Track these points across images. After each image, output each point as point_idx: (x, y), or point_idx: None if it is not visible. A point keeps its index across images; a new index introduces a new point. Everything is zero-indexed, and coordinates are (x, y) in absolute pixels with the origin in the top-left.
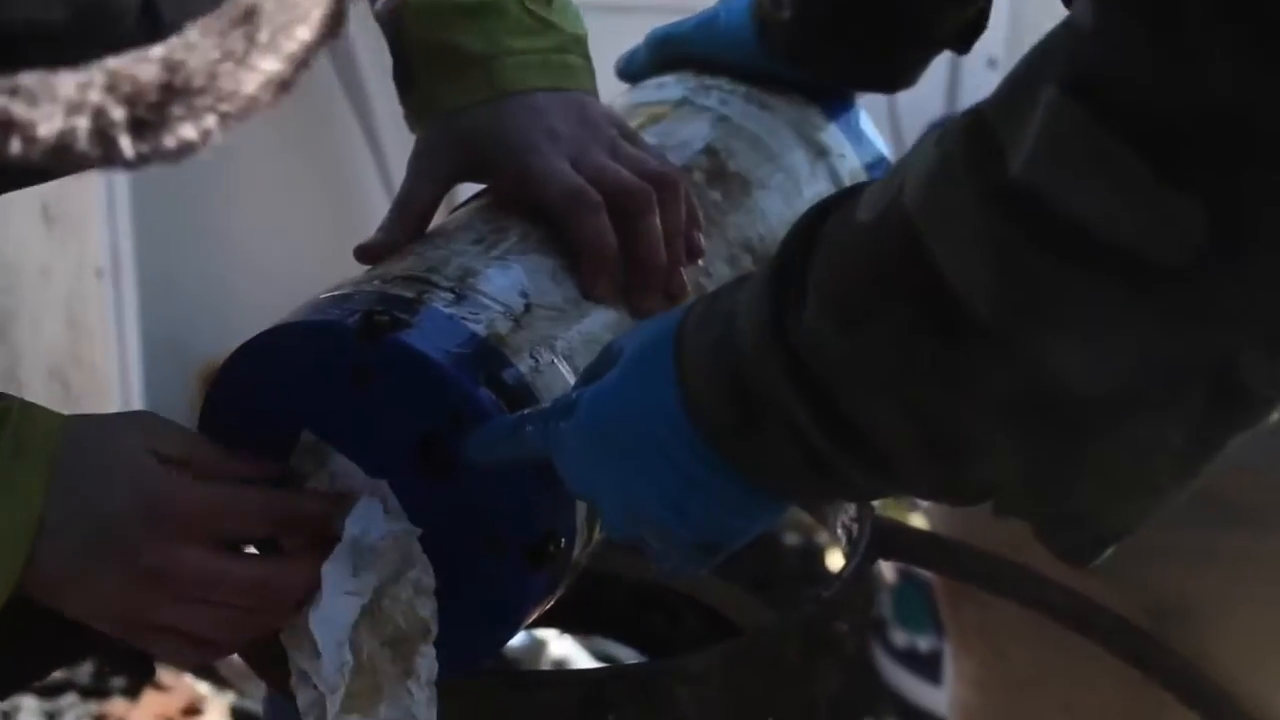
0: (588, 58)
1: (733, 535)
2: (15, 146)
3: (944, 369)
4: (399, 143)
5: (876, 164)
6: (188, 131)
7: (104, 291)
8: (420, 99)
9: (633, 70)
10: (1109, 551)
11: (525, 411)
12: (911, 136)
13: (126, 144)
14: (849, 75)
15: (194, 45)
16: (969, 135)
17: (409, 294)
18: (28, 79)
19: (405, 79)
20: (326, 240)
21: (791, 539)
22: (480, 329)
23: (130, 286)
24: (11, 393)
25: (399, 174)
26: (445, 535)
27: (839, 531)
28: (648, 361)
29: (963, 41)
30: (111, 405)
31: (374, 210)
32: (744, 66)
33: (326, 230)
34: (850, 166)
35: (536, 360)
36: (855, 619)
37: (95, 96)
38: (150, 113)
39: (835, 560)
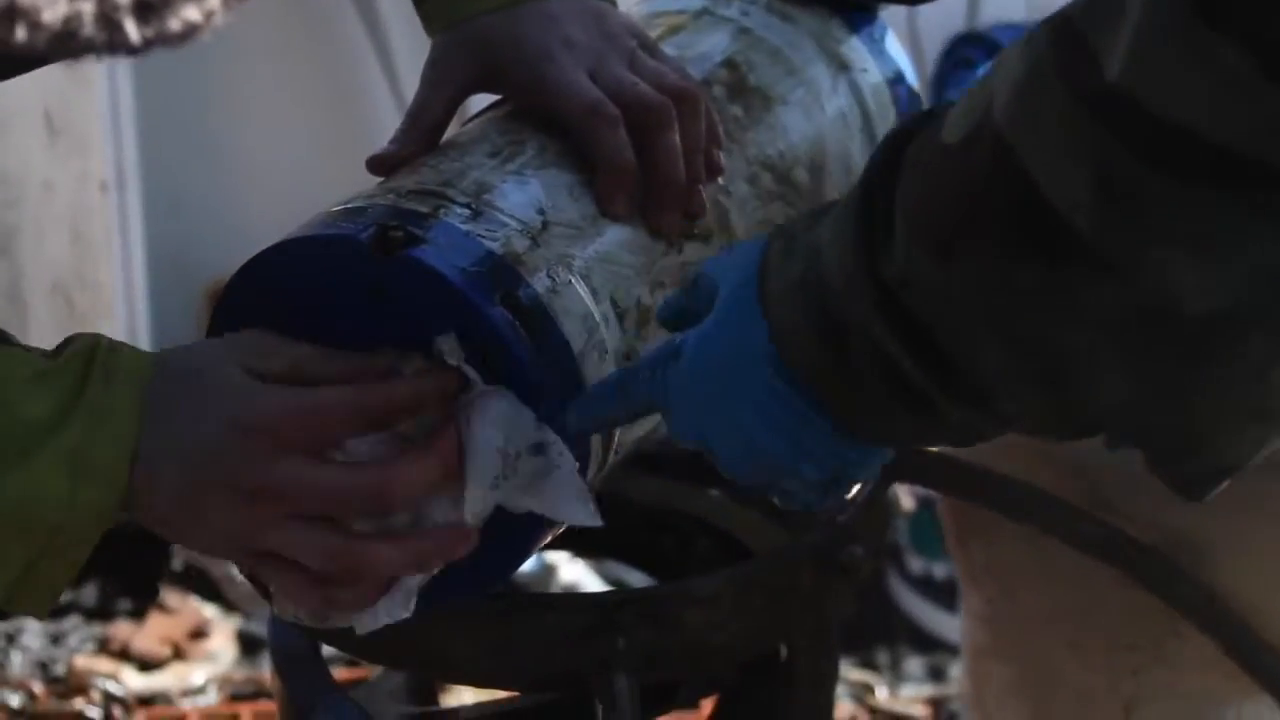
0: None
1: (854, 468)
2: (20, 33)
3: (1046, 292)
4: (409, 53)
5: (898, 79)
6: (191, 12)
7: (108, 206)
8: (436, 4)
9: None
10: (1224, 484)
11: (624, 369)
12: (932, 53)
13: (131, 28)
14: None
15: None
16: (1057, 43)
17: (424, 209)
18: None
19: None
20: (335, 154)
21: None
22: (496, 246)
23: (135, 201)
24: (15, 308)
25: (409, 86)
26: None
27: None
28: (743, 301)
29: None
30: (116, 322)
31: (384, 123)
32: None
33: (335, 144)
34: (872, 81)
35: (553, 280)
36: (869, 543)
37: None
38: None
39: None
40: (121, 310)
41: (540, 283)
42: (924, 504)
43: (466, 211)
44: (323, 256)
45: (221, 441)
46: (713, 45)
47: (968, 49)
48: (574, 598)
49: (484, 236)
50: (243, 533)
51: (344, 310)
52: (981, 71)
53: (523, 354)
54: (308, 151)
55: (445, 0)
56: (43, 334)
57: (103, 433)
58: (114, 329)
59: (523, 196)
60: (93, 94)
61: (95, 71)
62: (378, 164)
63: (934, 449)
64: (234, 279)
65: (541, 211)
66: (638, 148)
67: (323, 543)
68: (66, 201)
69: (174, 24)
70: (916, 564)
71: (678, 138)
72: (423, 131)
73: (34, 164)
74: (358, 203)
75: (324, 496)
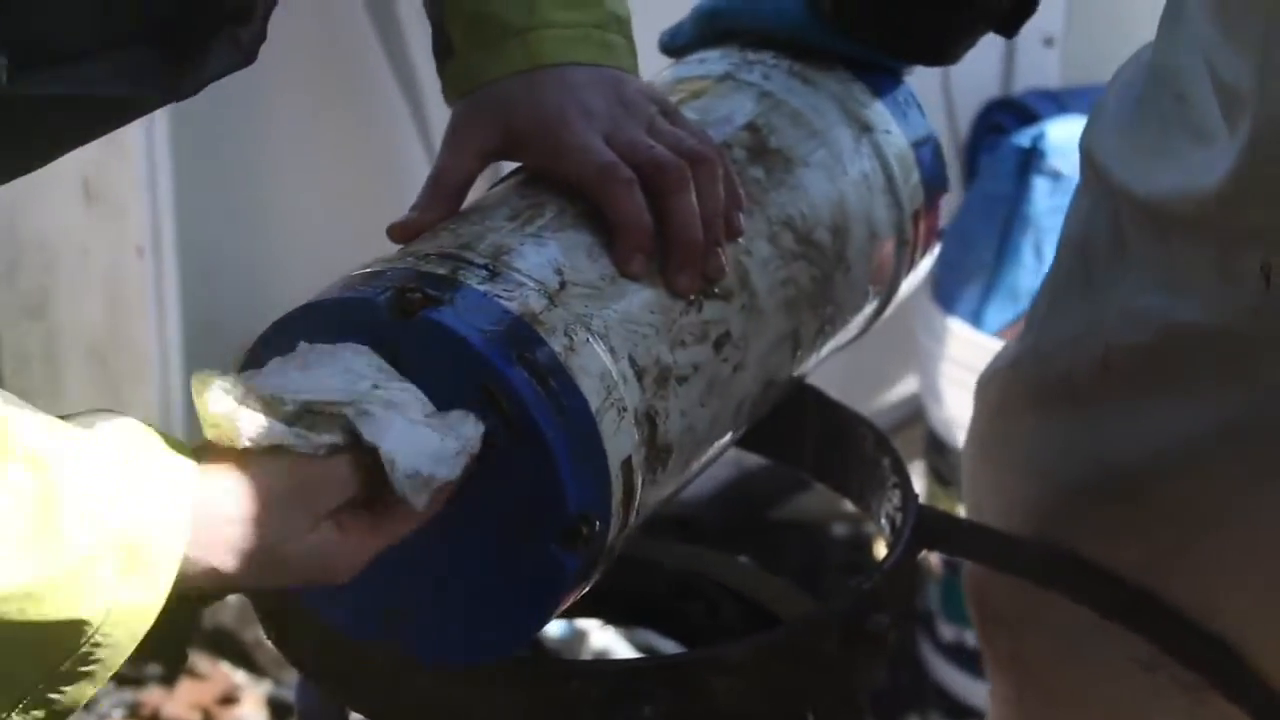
0: (629, 38)
1: None
2: None
3: None
4: (445, 119)
5: (924, 141)
6: None
7: (144, 270)
8: (457, 70)
9: (677, 45)
10: None
11: None
12: (965, 118)
13: None
14: (892, 44)
15: None
16: None
17: (442, 271)
18: None
19: (443, 50)
20: (371, 221)
21: (839, 530)
22: (514, 306)
23: (171, 265)
24: (50, 370)
25: None
26: (473, 518)
27: (883, 521)
28: None
29: (1010, 22)
30: (151, 386)
31: (418, 188)
32: (790, 40)
33: (371, 211)
34: (896, 144)
35: (571, 339)
36: (897, 610)
37: None
38: None
39: (883, 551)
40: (156, 373)
41: (558, 342)
42: (954, 569)
43: (484, 273)
44: (343, 319)
45: None
46: (734, 109)
47: (1000, 115)
48: (598, 664)
49: (501, 297)
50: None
51: None
52: (1014, 137)
53: (541, 413)
54: (343, 217)
55: (468, 65)
56: (78, 396)
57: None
58: (149, 392)
59: (541, 257)
60: (130, 160)
61: (133, 137)
62: (399, 231)
63: (961, 517)
64: (258, 342)
65: (559, 272)
66: (655, 210)
67: None
68: (102, 265)
69: None
70: (948, 631)
71: (694, 199)
72: (443, 197)
73: (71, 228)
74: (377, 267)
75: None
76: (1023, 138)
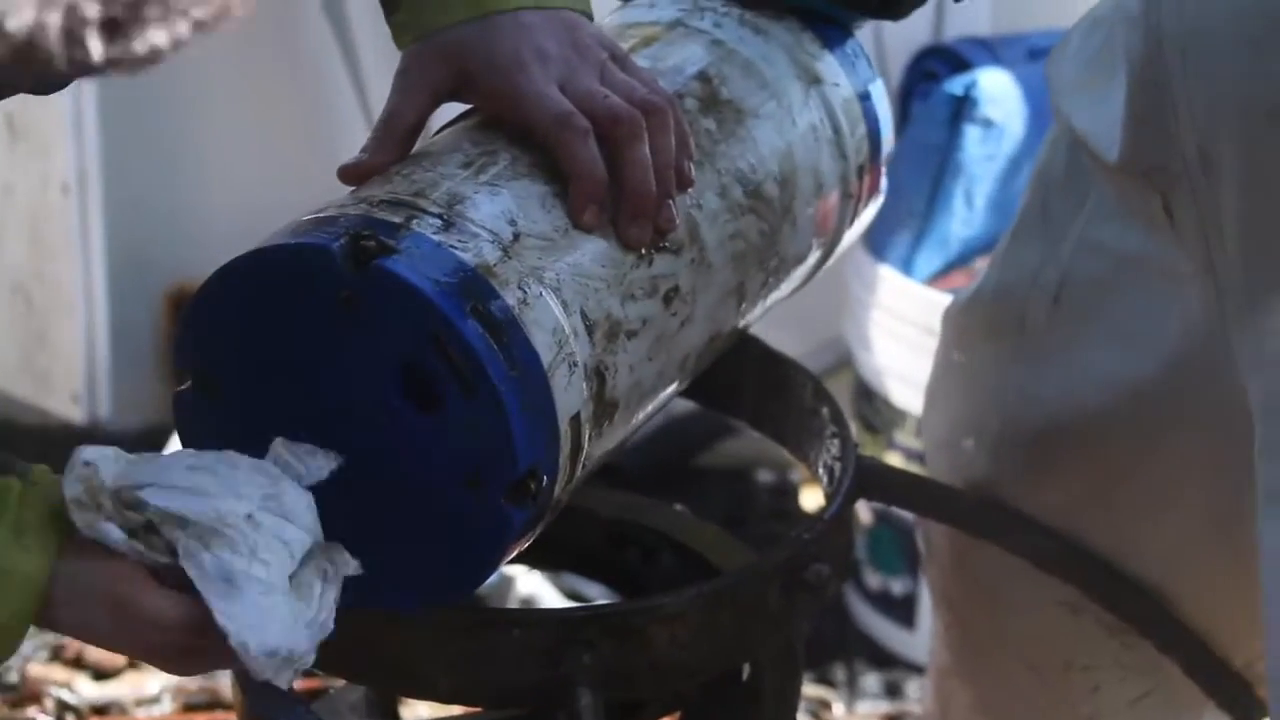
0: None
1: None
2: None
3: None
4: (375, 56)
5: (869, 95)
6: (159, 37)
7: (69, 208)
8: (405, 17)
9: None
10: None
11: None
12: (897, 65)
13: (96, 45)
14: None
15: None
16: None
17: (396, 219)
18: None
19: (390, 1)
20: (299, 159)
21: (765, 476)
22: (468, 258)
23: (96, 204)
24: None
25: (374, 90)
26: (422, 468)
27: (820, 470)
28: None
29: None
30: (76, 323)
31: (348, 127)
32: None
33: (299, 148)
34: (843, 95)
35: (525, 292)
36: (835, 561)
37: None
38: (125, 11)
39: (809, 499)
40: (81, 310)
41: (512, 295)
42: (882, 519)
43: (439, 222)
44: (294, 265)
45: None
46: (686, 57)
47: (932, 62)
48: (539, 613)
49: (456, 247)
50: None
51: (313, 318)
52: (946, 85)
53: (494, 367)
54: (271, 155)
55: (417, 11)
56: (2, 334)
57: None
58: (73, 329)
59: (495, 207)
60: (54, 97)
61: None
62: (349, 173)
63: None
64: (206, 286)
65: (513, 222)
66: (608, 160)
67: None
68: (26, 203)
69: (140, 46)
70: (874, 580)
71: (648, 150)
72: (394, 140)
73: None
74: (329, 211)
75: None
76: (955, 85)
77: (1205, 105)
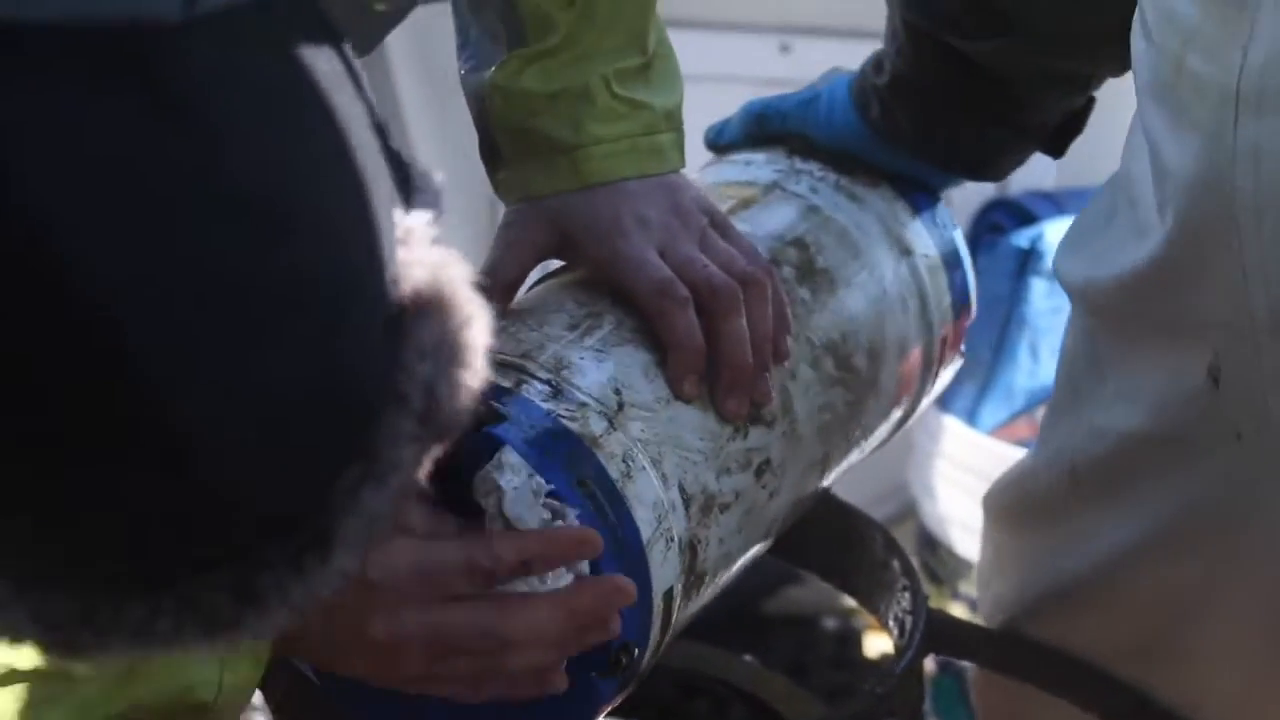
0: (679, 129)
1: None
2: None
3: None
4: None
5: (955, 263)
6: None
7: None
8: (509, 181)
9: (722, 142)
10: None
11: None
12: (963, 216)
13: None
14: (939, 158)
15: None
16: None
17: (506, 383)
18: None
19: (491, 155)
20: None
21: (829, 623)
22: (575, 427)
23: None
24: None
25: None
26: None
27: (891, 623)
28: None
29: (1057, 140)
30: None
31: None
32: (838, 150)
33: None
34: (931, 265)
35: (629, 466)
36: (907, 714)
37: None
38: None
39: (872, 646)
40: None
41: (615, 468)
42: (944, 668)
43: (546, 389)
44: None
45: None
46: (782, 222)
47: (998, 215)
48: None
49: (563, 416)
50: (389, 676)
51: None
52: (1012, 238)
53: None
54: None
55: (520, 179)
56: None
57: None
58: None
59: (601, 375)
60: None
61: None
62: None
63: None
64: None
65: (618, 391)
66: (706, 331)
67: (467, 665)
68: None
69: None
70: None
71: (744, 323)
72: (496, 292)
73: None
74: None
75: (447, 640)
76: (1020, 238)
77: None
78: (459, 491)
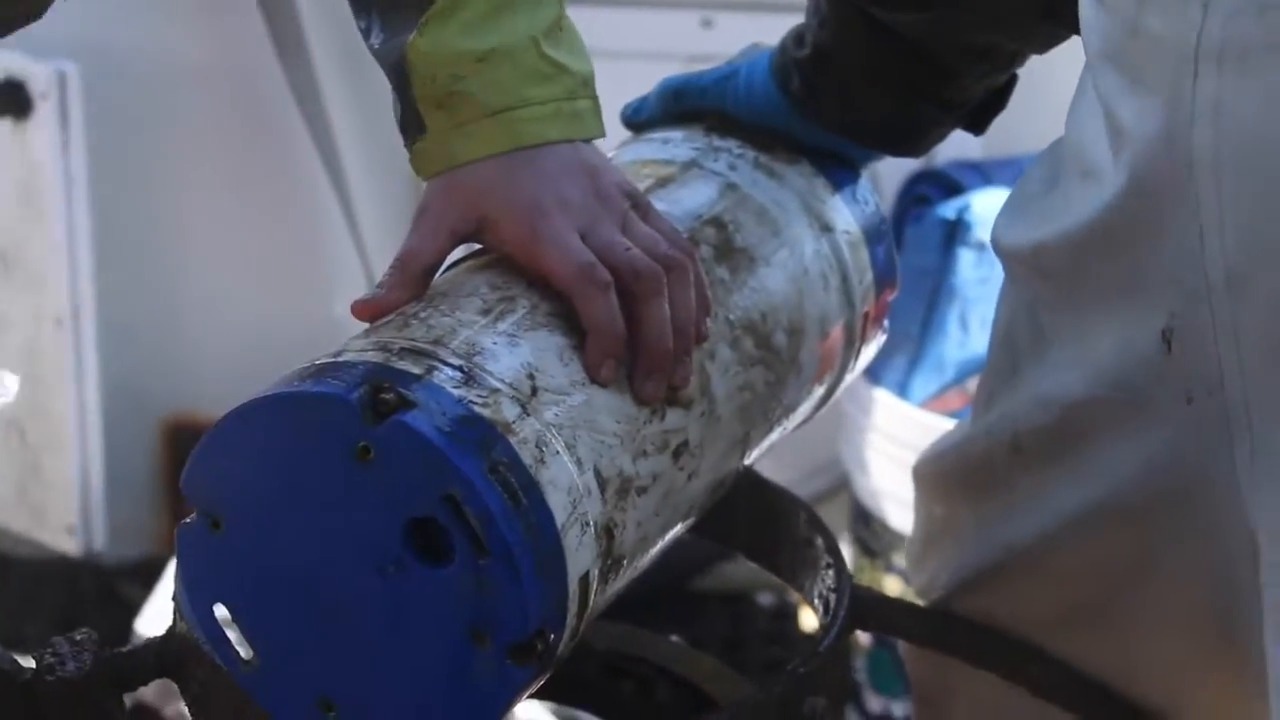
0: (595, 98)
1: None
2: None
3: None
4: (365, 190)
5: (878, 239)
6: None
7: (63, 341)
8: (429, 148)
9: (640, 119)
10: None
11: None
12: (889, 188)
13: None
14: (860, 133)
15: None
16: None
17: (415, 369)
18: None
19: (412, 126)
20: (291, 294)
21: (765, 599)
22: (488, 414)
23: (90, 335)
24: None
25: (365, 222)
26: (424, 621)
27: (816, 601)
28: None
29: (980, 117)
30: (70, 456)
31: (341, 263)
32: (757, 125)
33: (291, 283)
34: (852, 241)
35: (542, 450)
36: (833, 693)
37: None
38: None
39: (808, 620)
40: (76, 443)
41: (529, 454)
42: (881, 642)
43: (458, 375)
44: (311, 413)
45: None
46: (701, 201)
47: (924, 186)
48: None
49: (475, 403)
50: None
51: (326, 466)
52: (939, 209)
53: (510, 529)
54: (263, 289)
55: (439, 146)
56: None
57: None
58: (68, 461)
59: (514, 360)
60: (49, 229)
61: (52, 206)
62: (363, 309)
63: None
64: (221, 423)
65: (531, 376)
66: (627, 315)
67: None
68: (21, 337)
69: None
70: (875, 703)
71: (667, 306)
72: (411, 278)
73: None
74: (346, 355)
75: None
76: (947, 209)
77: (1242, 228)
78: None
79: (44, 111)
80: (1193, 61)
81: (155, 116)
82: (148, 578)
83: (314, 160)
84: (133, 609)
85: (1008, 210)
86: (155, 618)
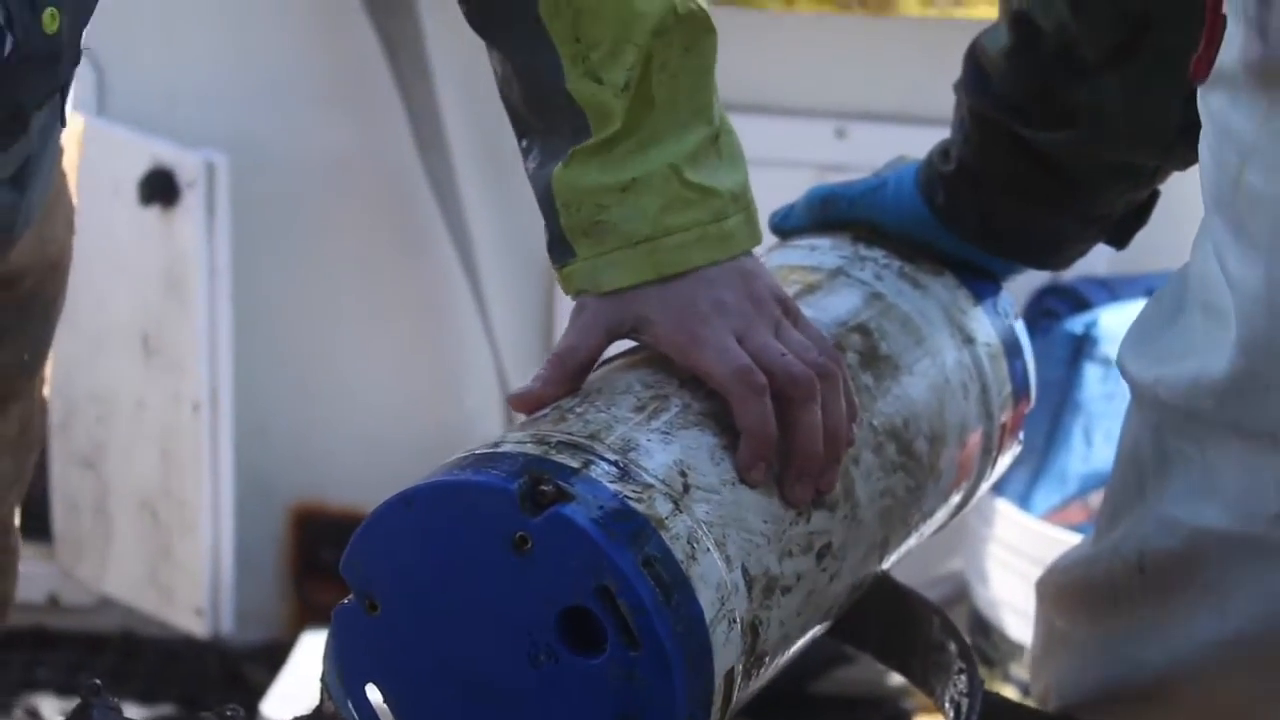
0: (747, 208)
1: None
2: None
3: None
4: (498, 286)
5: (1016, 353)
6: None
7: (199, 425)
8: (578, 275)
9: (788, 226)
10: None
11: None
12: (1017, 302)
13: None
14: (1002, 246)
15: None
16: None
17: (573, 463)
18: None
19: (560, 251)
20: (423, 385)
21: (881, 705)
22: (642, 509)
23: (226, 422)
24: (100, 521)
25: (497, 319)
26: (577, 712)
27: (947, 705)
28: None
29: (1122, 232)
30: (200, 538)
31: (473, 357)
32: (903, 236)
33: (423, 375)
34: (992, 354)
35: (693, 547)
36: None
37: None
38: None
39: None
40: (206, 527)
41: (681, 550)
42: None
43: (614, 470)
44: (471, 501)
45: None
46: (847, 308)
47: (1052, 300)
48: None
49: (629, 497)
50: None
51: (483, 554)
52: (1066, 323)
53: (662, 624)
54: (395, 379)
55: (592, 274)
56: (126, 547)
57: None
58: (198, 544)
59: (667, 457)
60: (191, 317)
61: (195, 294)
62: (521, 401)
63: (1027, 704)
64: (383, 507)
65: (684, 474)
66: (780, 419)
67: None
68: (157, 419)
69: None
70: None
71: (819, 413)
72: (567, 374)
73: (129, 382)
74: (506, 446)
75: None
76: (1074, 324)
77: None
78: (517, 566)
79: (191, 200)
80: None
81: (298, 208)
82: (273, 661)
83: (450, 255)
84: (258, 692)
85: (1133, 335)
86: (281, 700)
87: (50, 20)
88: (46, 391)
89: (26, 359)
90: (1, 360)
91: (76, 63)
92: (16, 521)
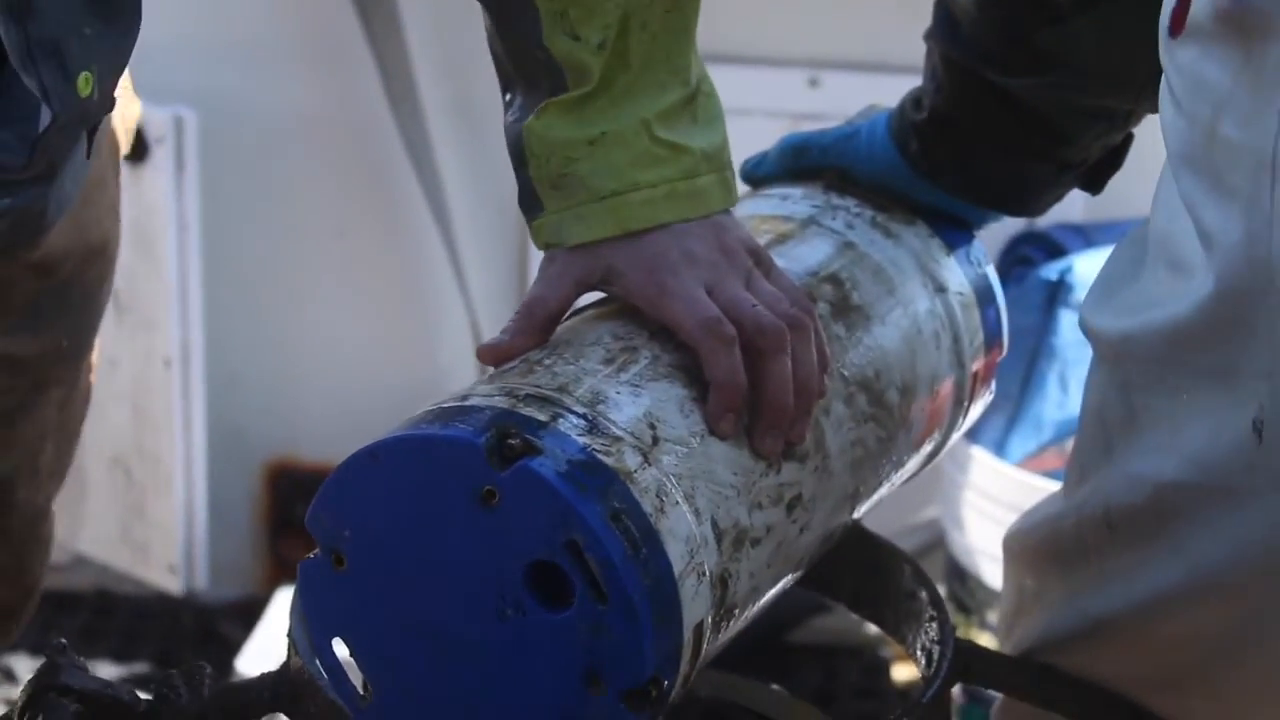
0: (721, 169)
1: None
2: None
3: None
4: (472, 240)
5: (989, 301)
6: None
7: (171, 382)
8: (546, 228)
9: (759, 174)
10: None
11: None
12: (992, 249)
13: None
14: (977, 193)
15: None
16: None
17: (541, 416)
18: None
19: (530, 204)
20: (395, 339)
21: (857, 652)
22: (610, 461)
23: (198, 378)
24: (73, 477)
25: (471, 273)
26: (540, 664)
27: (919, 653)
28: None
29: (1096, 176)
30: (174, 494)
31: (446, 309)
32: (876, 185)
33: (394, 327)
34: (965, 303)
35: (662, 500)
36: None
37: None
38: None
39: (900, 675)
40: (180, 483)
41: (649, 503)
42: (973, 698)
43: (582, 423)
44: (438, 455)
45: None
46: (819, 258)
47: (1027, 247)
48: None
49: (598, 450)
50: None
51: (450, 508)
52: (1041, 270)
53: (630, 577)
54: (367, 334)
55: (555, 226)
56: (99, 504)
57: None
58: (172, 501)
59: (636, 409)
60: (160, 271)
61: (165, 251)
62: (489, 353)
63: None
64: (349, 461)
65: (653, 426)
66: (749, 370)
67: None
68: (130, 377)
69: None
70: None
71: (790, 364)
72: (536, 325)
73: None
74: (473, 399)
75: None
76: (1049, 271)
77: None
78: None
79: (160, 156)
80: (1269, 169)
81: (269, 164)
82: (247, 617)
83: (422, 210)
84: (232, 648)
85: (1095, 293)
86: (255, 656)
87: (85, 84)
88: (93, 378)
89: (66, 345)
90: (39, 346)
91: (109, 110)
92: (53, 509)
